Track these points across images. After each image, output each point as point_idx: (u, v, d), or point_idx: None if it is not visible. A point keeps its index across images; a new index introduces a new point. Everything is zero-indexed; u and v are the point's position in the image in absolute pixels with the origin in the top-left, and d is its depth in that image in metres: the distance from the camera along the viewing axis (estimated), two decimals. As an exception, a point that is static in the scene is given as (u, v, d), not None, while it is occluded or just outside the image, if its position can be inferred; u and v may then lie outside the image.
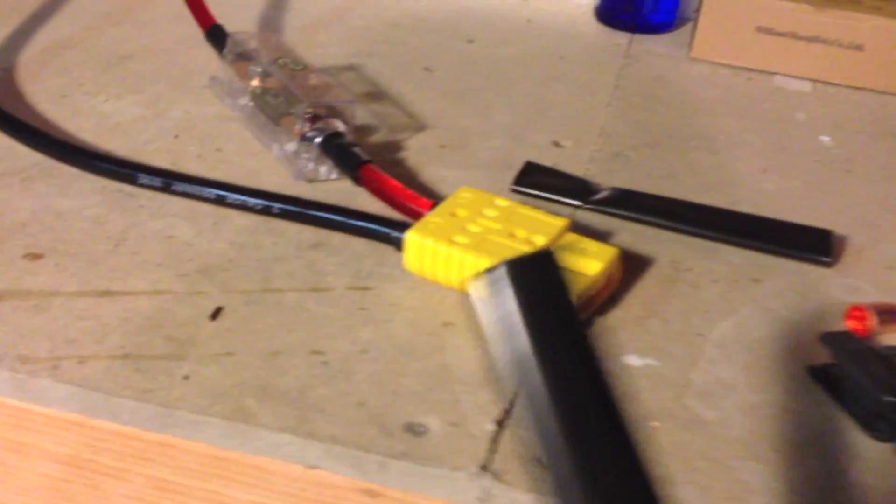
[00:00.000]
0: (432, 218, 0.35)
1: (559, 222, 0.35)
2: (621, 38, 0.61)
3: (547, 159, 0.45)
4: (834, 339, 0.31)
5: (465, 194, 0.36)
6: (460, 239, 0.33)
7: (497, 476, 0.27)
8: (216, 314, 0.32)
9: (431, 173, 0.43)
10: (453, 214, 0.35)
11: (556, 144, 0.46)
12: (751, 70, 0.57)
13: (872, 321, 0.33)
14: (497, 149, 0.45)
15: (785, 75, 0.56)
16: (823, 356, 0.32)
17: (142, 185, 0.38)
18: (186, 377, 0.29)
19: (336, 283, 0.34)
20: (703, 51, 0.58)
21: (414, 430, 0.28)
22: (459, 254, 0.33)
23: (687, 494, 0.27)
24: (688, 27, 0.61)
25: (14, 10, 0.56)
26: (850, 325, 0.34)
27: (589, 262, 0.33)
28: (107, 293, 0.33)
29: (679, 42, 0.60)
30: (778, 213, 0.41)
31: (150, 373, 0.30)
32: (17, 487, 0.31)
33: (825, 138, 0.49)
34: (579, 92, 0.53)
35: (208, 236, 0.36)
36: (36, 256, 0.34)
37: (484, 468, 0.27)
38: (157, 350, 0.30)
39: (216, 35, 0.50)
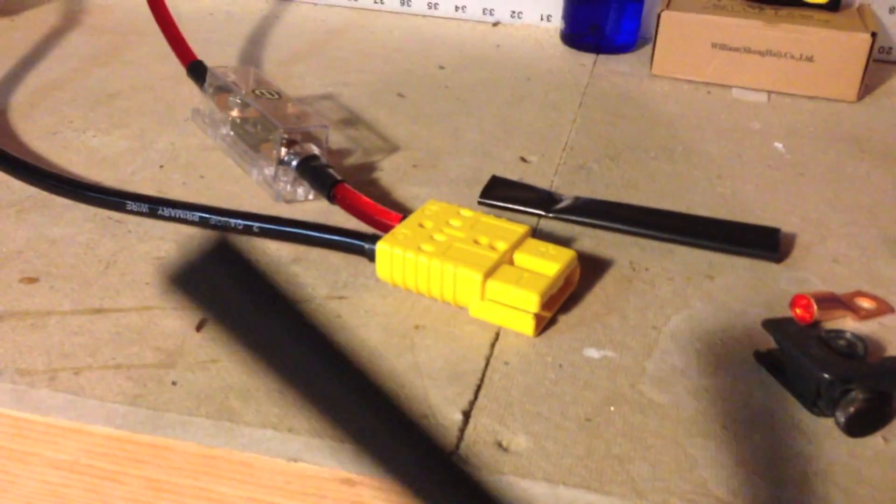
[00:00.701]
0: (401, 229, 0.37)
1: (520, 229, 0.37)
2: (586, 59, 0.64)
3: (514, 174, 0.47)
4: (775, 325, 0.34)
5: (431, 207, 0.39)
6: (427, 247, 0.36)
7: (464, 461, 0.29)
8: (201, 326, 0.35)
9: (404, 191, 0.45)
10: (421, 225, 0.37)
11: (523, 160, 0.49)
12: (709, 84, 0.60)
13: (815, 308, 0.36)
14: (466, 166, 0.48)
15: (742, 88, 0.59)
16: (770, 342, 0.34)
17: (130, 212, 0.41)
18: (174, 383, 0.32)
19: (314, 295, 0.37)
20: (662, 68, 0.60)
21: (387, 422, 0.31)
22: (427, 261, 0.35)
23: (640, 469, 0.29)
24: (649, 46, 0.64)
25: (5, 55, 0.58)
26: (795, 313, 0.37)
27: (548, 264, 0.36)
28: (99, 311, 0.35)
29: (641, 61, 0.63)
30: (732, 215, 0.44)
31: (141, 380, 0.32)
32: (21, 495, 0.33)
33: (779, 145, 0.52)
34: (546, 111, 0.55)
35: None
36: (31, 280, 0.37)
37: (452, 454, 0.29)
38: (146, 360, 0.33)
39: (197, 70, 0.52)
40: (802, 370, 0.32)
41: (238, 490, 0.31)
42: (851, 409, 0.30)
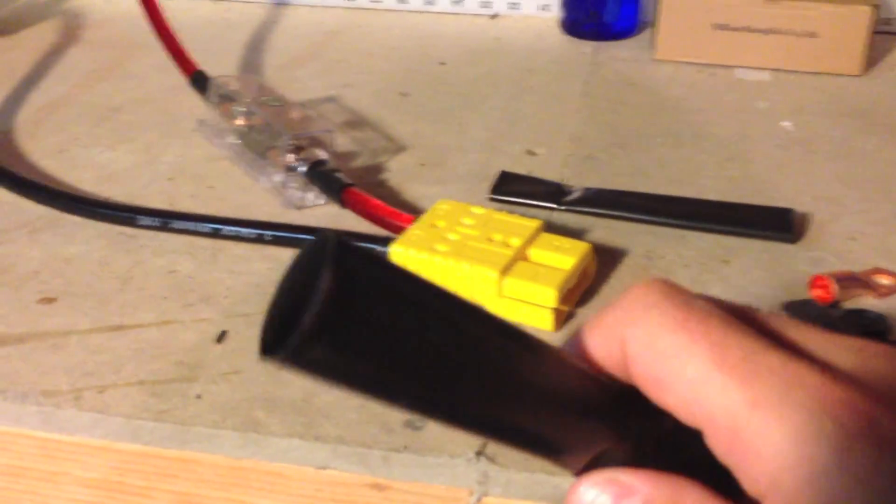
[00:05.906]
0: (414, 231, 0.37)
1: (533, 224, 0.37)
2: (587, 46, 0.63)
3: (522, 167, 0.47)
4: (797, 307, 0.34)
5: (443, 206, 0.39)
6: (441, 247, 0.36)
7: (492, 459, 0.29)
8: (221, 337, 0.35)
9: (413, 191, 0.45)
10: (433, 226, 0.37)
11: (530, 153, 0.49)
12: (713, 66, 0.60)
13: (835, 288, 0.36)
14: (473, 162, 0.48)
15: (745, 67, 0.59)
16: (790, 324, 0.34)
17: (142, 227, 0.41)
18: (199, 396, 0.32)
19: (331, 300, 0.37)
20: (665, 52, 0.60)
21: (413, 424, 0.31)
22: (442, 261, 0.35)
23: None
24: (649, 31, 0.64)
25: (6, 76, 0.58)
26: (814, 293, 0.36)
27: (564, 258, 0.36)
28: (119, 328, 0.35)
29: (643, 45, 0.63)
30: (743, 197, 0.44)
31: (165, 395, 0.32)
32: (51, 516, 0.34)
33: (786, 123, 0.52)
34: (549, 101, 0.55)
35: (207, 267, 0.39)
36: (50, 300, 0.37)
37: (479, 453, 0.29)
38: (169, 374, 0.33)
39: (199, 80, 0.52)
40: (825, 351, 0.32)
41: (269, 500, 0.31)
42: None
